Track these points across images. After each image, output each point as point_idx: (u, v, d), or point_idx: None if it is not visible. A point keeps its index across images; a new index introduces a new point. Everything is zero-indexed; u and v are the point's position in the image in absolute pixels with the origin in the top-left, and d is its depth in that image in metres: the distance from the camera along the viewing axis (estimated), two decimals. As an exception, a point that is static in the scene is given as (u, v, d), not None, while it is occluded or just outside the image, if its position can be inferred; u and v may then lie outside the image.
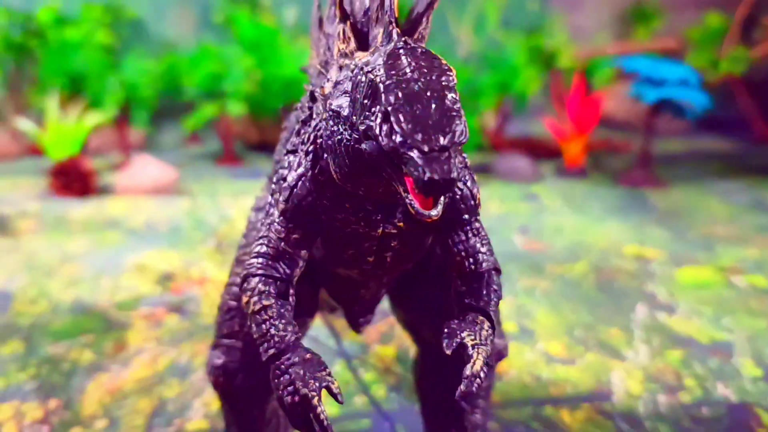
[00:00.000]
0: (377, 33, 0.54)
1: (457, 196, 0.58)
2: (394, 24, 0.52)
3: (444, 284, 0.70)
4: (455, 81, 0.47)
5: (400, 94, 0.45)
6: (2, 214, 2.02)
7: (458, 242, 0.59)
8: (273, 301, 0.57)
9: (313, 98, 0.62)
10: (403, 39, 0.50)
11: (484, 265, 0.59)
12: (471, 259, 0.59)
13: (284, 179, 0.59)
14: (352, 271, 0.64)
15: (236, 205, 2.17)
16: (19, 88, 2.81)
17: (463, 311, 0.58)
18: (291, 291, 0.59)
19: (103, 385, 1.04)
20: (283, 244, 0.59)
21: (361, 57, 0.54)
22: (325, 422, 0.52)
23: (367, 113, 0.48)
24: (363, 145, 0.49)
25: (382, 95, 0.46)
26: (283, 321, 0.56)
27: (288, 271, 0.59)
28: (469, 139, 0.49)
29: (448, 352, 0.53)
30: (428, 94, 0.45)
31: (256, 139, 3.00)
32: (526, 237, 1.83)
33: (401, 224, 0.58)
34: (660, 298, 1.39)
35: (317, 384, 0.52)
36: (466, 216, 0.59)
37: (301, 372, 0.53)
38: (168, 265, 1.60)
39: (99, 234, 1.86)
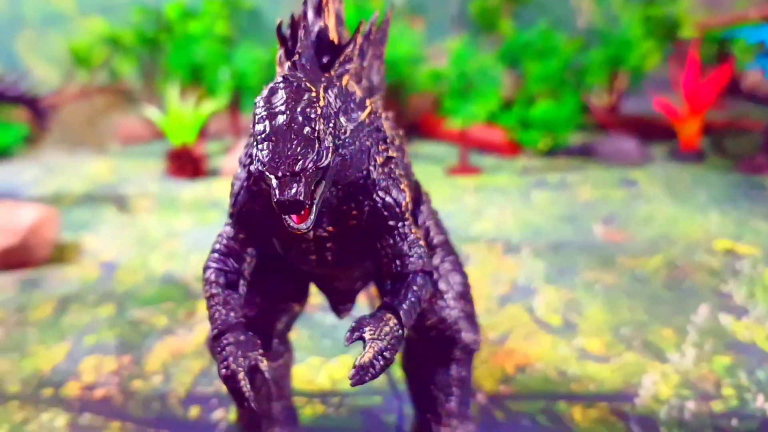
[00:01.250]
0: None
1: (379, 205, 0.63)
2: (298, 56, 0.58)
3: None
4: (319, 111, 0.54)
5: (265, 127, 0.52)
6: (125, 194, 2.23)
7: (385, 246, 0.65)
8: (220, 290, 0.66)
9: None
10: (283, 75, 0.56)
11: (409, 267, 0.64)
12: (397, 261, 0.64)
13: (233, 186, 0.66)
14: (304, 267, 0.70)
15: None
16: (152, 79, 3.05)
17: (380, 308, 0.62)
18: (241, 282, 0.68)
19: (168, 346, 1.19)
20: (232, 242, 0.68)
21: None
22: (246, 394, 0.61)
23: (253, 140, 0.56)
24: (252, 167, 0.56)
25: (255, 126, 0.53)
26: (227, 307, 0.65)
27: (236, 265, 0.68)
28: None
29: (346, 344, 0.59)
30: (289, 126, 0.52)
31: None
32: (608, 227, 1.78)
33: (330, 228, 0.64)
34: (735, 300, 1.32)
35: (246, 362, 0.62)
36: (391, 222, 0.64)
37: (235, 350, 0.62)
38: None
39: (202, 213, 2.02)
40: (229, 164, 2.41)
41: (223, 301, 0.65)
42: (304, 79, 0.55)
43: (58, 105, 2.84)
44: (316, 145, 0.52)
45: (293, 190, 0.50)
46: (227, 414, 0.97)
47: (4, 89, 2.05)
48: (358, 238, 0.66)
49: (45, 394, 1.03)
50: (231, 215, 0.68)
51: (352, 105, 0.61)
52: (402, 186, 0.64)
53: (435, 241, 0.78)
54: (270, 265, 0.76)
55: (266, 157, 0.51)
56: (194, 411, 0.99)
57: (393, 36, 2.66)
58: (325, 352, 1.15)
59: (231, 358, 0.61)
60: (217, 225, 1.88)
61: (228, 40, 2.93)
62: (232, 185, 0.67)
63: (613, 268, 1.49)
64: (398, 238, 0.64)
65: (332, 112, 0.56)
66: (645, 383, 1.03)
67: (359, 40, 0.64)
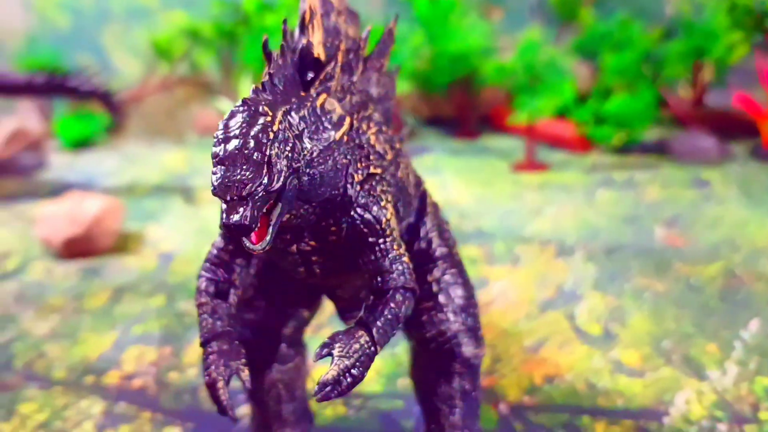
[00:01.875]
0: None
1: (357, 222, 0.64)
2: (268, 76, 0.59)
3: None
4: (271, 136, 0.54)
5: (219, 151, 0.54)
6: (194, 185, 2.32)
7: (367, 262, 0.65)
8: (209, 299, 0.69)
9: None
10: (243, 99, 0.57)
11: (390, 283, 0.64)
12: (378, 278, 0.65)
13: None
14: (297, 277, 0.71)
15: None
16: (230, 71, 3.14)
17: (355, 324, 0.63)
18: (231, 291, 0.70)
19: (207, 338, 1.22)
20: (222, 253, 0.70)
21: None
22: (224, 403, 0.63)
23: None
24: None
25: (212, 148, 0.55)
26: (215, 316, 0.68)
27: (226, 275, 0.70)
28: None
29: (314, 360, 0.60)
30: (240, 151, 0.53)
31: (427, 114, 3.08)
32: (670, 230, 1.71)
33: (313, 243, 0.66)
34: (792, 314, 1.25)
35: (227, 371, 0.64)
36: (371, 239, 0.65)
37: (217, 359, 0.64)
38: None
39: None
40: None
41: (211, 310, 0.67)
42: (263, 103, 0.56)
43: (140, 97, 2.97)
44: (265, 170, 0.53)
45: (238, 215, 0.51)
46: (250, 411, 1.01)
47: (79, 84, 2.16)
48: (342, 253, 0.66)
49: (87, 381, 1.09)
50: (220, 227, 0.70)
51: (326, 124, 0.61)
52: (383, 203, 0.65)
53: (437, 253, 0.77)
54: (275, 271, 0.78)
55: (216, 181, 0.53)
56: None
57: (463, 28, 2.64)
58: (355, 353, 1.16)
59: (213, 367, 0.64)
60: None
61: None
62: None
63: (667, 274, 1.44)
64: (379, 254, 0.64)
65: (291, 135, 0.56)
66: (677, 401, 1.00)
67: (341, 57, 0.64)
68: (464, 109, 2.90)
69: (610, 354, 1.13)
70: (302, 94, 0.62)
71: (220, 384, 0.63)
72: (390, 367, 1.11)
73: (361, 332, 0.61)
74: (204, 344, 0.66)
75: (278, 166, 0.54)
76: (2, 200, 2.17)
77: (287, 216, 0.61)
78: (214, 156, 0.54)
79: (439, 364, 0.77)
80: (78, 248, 1.60)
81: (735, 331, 1.19)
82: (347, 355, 0.60)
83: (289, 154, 0.56)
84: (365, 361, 0.60)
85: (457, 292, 0.77)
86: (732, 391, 1.02)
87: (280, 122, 0.56)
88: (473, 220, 1.83)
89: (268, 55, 0.62)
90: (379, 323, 0.62)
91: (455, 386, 0.78)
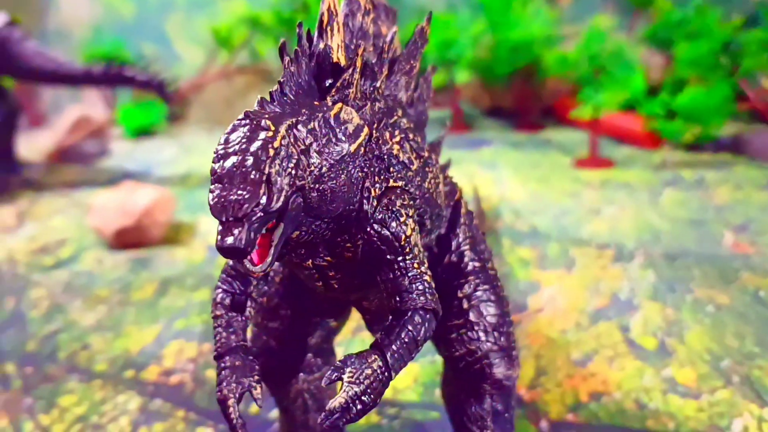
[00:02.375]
0: None
1: (374, 238, 0.60)
2: (278, 86, 0.57)
3: (446, 304, 0.71)
4: (271, 153, 0.51)
5: (217, 168, 0.51)
6: None
7: (385, 280, 0.62)
8: (223, 312, 0.66)
9: None
10: (246, 112, 0.54)
11: (408, 304, 0.60)
12: (397, 297, 0.61)
13: None
14: (316, 290, 0.68)
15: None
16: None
17: (371, 347, 0.59)
18: (249, 303, 0.68)
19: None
20: (239, 265, 0.67)
21: None
22: (234, 421, 0.61)
23: None
24: None
25: (211, 165, 0.52)
26: (229, 330, 0.66)
27: (243, 287, 0.67)
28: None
29: (324, 384, 0.57)
30: (239, 168, 0.50)
31: (487, 105, 3.00)
32: (739, 236, 1.61)
33: (329, 258, 0.62)
34: None
35: (239, 387, 0.62)
36: (390, 256, 0.61)
37: (229, 375, 0.62)
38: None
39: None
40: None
41: (226, 324, 0.65)
42: (266, 116, 0.53)
43: (200, 85, 2.99)
44: (263, 189, 0.50)
45: (232, 238, 0.48)
46: (283, 415, 0.99)
47: (135, 74, 2.19)
48: (360, 269, 0.63)
49: (127, 375, 1.10)
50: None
51: (339, 136, 0.57)
52: (403, 218, 0.61)
53: (468, 267, 0.73)
54: (300, 280, 0.75)
55: (213, 200, 0.50)
56: (254, 408, 1.01)
57: (526, 15, 2.55)
58: (394, 359, 1.13)
59: (224, 383, 0.61)
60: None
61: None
62: None
63: (732, 285, 1.35)
64: (398, 273, 0.61)
65: (296, 150, 0.53)
66: (735, 428, 0.93)
67: (359, 62, 0.60)
68: (526, 100, 2.82)
69: (664, 372, 1.06)
70: (316, 103, 0.58)
71: (231, 402, 0.61)
72: (428, 375, 1.07)
73: (374, 356, 0.58)
74: (217, 359, 0.64)
75: (279, 185, 0.51)
76: (64, 187, 2.22)
77: (297, 233, 0.57)
78: (212, 173, 0.51)
79: (470, 384, 0.73)
80: (128, 239, 1.62)
81: (804, 350, 1.11)
82: (358, 381, 0.56)
83: (293, 171, 0.52)
84: (377, 387, 0.57)
85: (489, 310, 0.72)
86: (796, 419, 0.94)
87: (283, 137, 0.52)
88: (528, 218, 1.76)
89: (283, 61, 0.59)
90: (394, 347, 0.58)
91: (486, 407, 0.74)
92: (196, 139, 2.90)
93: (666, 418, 0.95)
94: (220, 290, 0.67)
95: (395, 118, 0.66)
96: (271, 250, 0.52)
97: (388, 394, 1.03)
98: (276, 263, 0.78)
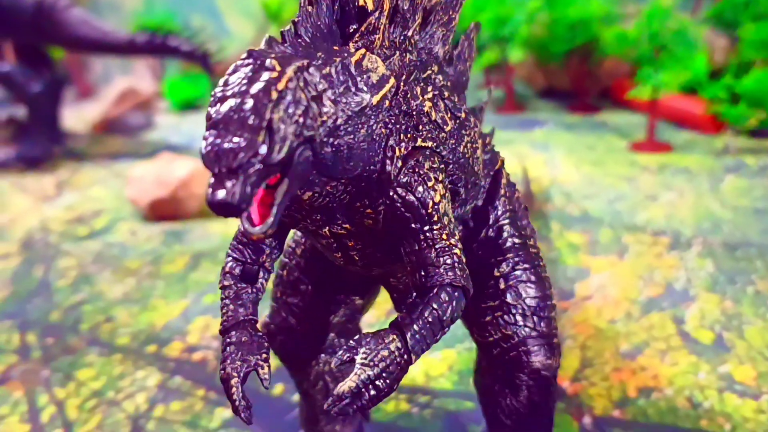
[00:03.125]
0: None
1: (398, 204, 0.54)
2: (292, 25, 0.51)
3: (481, 284, 0.65)
4: (274, 96, 0.44)
5: (213, 112, 0.45)
6: None
7: (409, 252, 0.55)
8: (232, 282, 0.60)
9: None
10: (249, 50, 0.48)
11: (434, 279, 0.54)
12: (422, 272, 0.54)
13: None
14: (337, 263, 0.63)
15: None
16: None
17: (390, 325, 0.53)
18: (261, 274, 0.61)
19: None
20: None
21: None
22: (237, 403, 0.54)
23: None
24: None
25: (208, 109, 0.46)
26: (238, 302, 0.59)
27: (254, 256, 0.61)
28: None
29: (334, 366, 0.50)
30: (237, 112, 0.44)
31: (542, 85, 2.88)
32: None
33: (347, 226, 0.56)
34: None
35: (244, 366, 0.55)
36: (415, 225, 0.54)
37: (234, 352, 0.56)
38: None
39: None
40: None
41: (234, 295, 0.59)
42: (272, 56, 0.46)
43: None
44: (262, 137, 0.43)
45: (224, 191, 0.42)
46: (307, 398, 0.93)
47: (179, 44, 2.15)
48: (384, 239, 0.56)
49: (148, 350, 1.06)
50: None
51: (360, 85, 0.51)
52: (431, 183, 0.54)
53: (507, 244, 0.66)
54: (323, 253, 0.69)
55: (205, 148, 0.44)
56: (278, 389, 0.96)
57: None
58: (428, 344, 1.06)
59: (228, 360, 0.56)
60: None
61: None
62: None
63: (803, 278, 1.25)
64: (423, 244, 0.54)
65: (305, 96, 0.46)
66: (800, 433, 0.84)
67: (387, 5, 0.53)
68: (582, 80, 2.69)
69: (721, 368, 0.98)
70: (335, 48, 0.51)
71: (234, 381, 0.55)
72: (464, 362, 1.01)
73: (392, 337, 0.51)
74: (222, 333, 0.58)
75: (282, 133, 0.44)
76: (106, 158, 2.21)
77: (309, 194, 0.51)
78: (207, 118, 0.45)
79: (505, 374, 0.66)
80: (164, 211, 1.59)
81: None
82: (372, 363, 0.50)
83: (300, 119, 0.46)
84: (394, 371, 0.50)
85: (529, 291, 0.65)
86: None
87: (290, 80, 0.46)
88: (579, 202, 1.67)
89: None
90: (416, 327, 0.52)
91: (522, 400, 0.66)
92: (241, 114, 2.87)
93: (722, 418, 0.86)
94: (230, 259, 0.61)
95: (429, 72, 0.59)
96: (273, 209, 0.46)
97: (419, 380, 0.97)
98: (299, 234, 0.72)
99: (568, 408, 0.90)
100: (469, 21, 2.60)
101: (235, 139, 0.43)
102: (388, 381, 0.50)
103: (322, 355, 0.76)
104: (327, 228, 0.56)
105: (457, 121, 0.60)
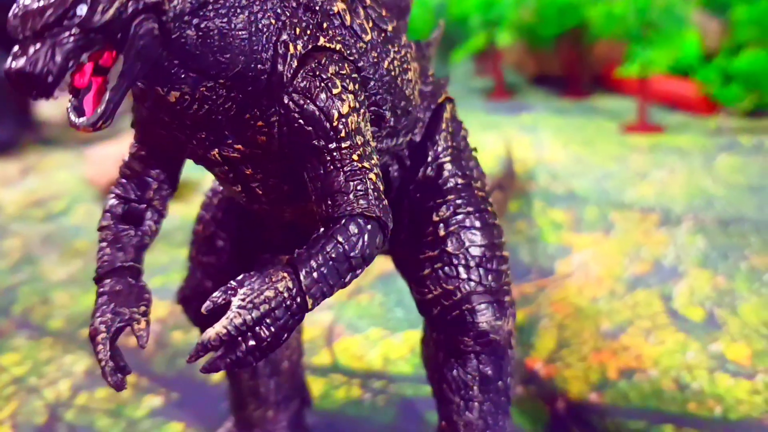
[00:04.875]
0: None
1: (295, 114, 0.44)
2: None
3: (418, 231, 0.56)
4: None
5: None
6: None
7: (313, 177, 0.45)
8: (111, 223, 0.52)
9: None
10: None
11: (343, 208, 0.44)
12: (328, 200, 0.45)
13: None
14: (241, 202, 0.54)
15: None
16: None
17: (283, 263, 0.44)
18: (150, 215, 0.53)
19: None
20: (134, 162, 0.53)
21: None
22: (103, 363, 0.46)
23: None
24: None
25: None
26: (117, 245, 0.51)
27: (139, 192, 0.52)
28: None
29: (203, 311, 0.42)
30: None
31: (533, 72, 2.78)
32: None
33: (240, 147, 0.47)
34: None
35: (116, 319, 0.47)
36: (317, 142, 0.44)
37: (106, 303, 0.48)
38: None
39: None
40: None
41: (113, 238, 0.51)
42: None
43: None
44: None
45: (24, 59, 0.33)
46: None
47: None
48: (289, 166, 0.47)
49: (82, 334, 0.96)
50: (132, 124, 0.52)
51: None
52: (337, 90, 0.44)
53: (449, 184, 0.56)
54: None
55: (12, 13, 0.35)
56: (218, 375, 0.86)
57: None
58: (390, 324, 0.96)
59: (98, 314, 0.47)
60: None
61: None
62: None
63: (796, 254, 1.15)
64: (329, 166, 0.44)
65: None
66: (799, 415, 0.74)
67: None
68: (573, 66, 2.59)
69: (712, 347, 0.88)
70: None
71: (100, 337, 0.46)
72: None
73: (282, 275, 0.42)
74: (96, 281, 0.50)
75: None
76: (77, 144, 2.10)
77: (177, 94, 0.42)
78: None
79: (447, 339, 0.56)
80: None
81: None
82: (251, 305, 0.40)
83: None
84: (283, 317, 0.41)
85: (474, 239, 0.55)
86: None
87: None
88: (565, 181, 1.57)
89: None
90: (313, 263, 0.42)
91: (469, 370, 0.56)
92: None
93: (712, 400, 0.77)
94: (112, 196, 0.52)
95: None
96: (106, 95, 0.37)
97: (376, 364, 0.87)
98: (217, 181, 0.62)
99: (539, 391, 0.80)
100: (457, 6, 2.49)
101: None
102: (273, 328, 0.41)
103: None
104: (216, 150, 0.46)
105: (382, 35, 0.50)
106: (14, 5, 0.35)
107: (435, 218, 0.55)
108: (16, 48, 0.34)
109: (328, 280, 0.42)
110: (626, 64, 1.99)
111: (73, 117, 0.37)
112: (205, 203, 0.64)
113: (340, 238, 0.43)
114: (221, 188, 0.62)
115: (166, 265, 1.18)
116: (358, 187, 0.44)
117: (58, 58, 0.34)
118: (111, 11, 0.35)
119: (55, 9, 0.34)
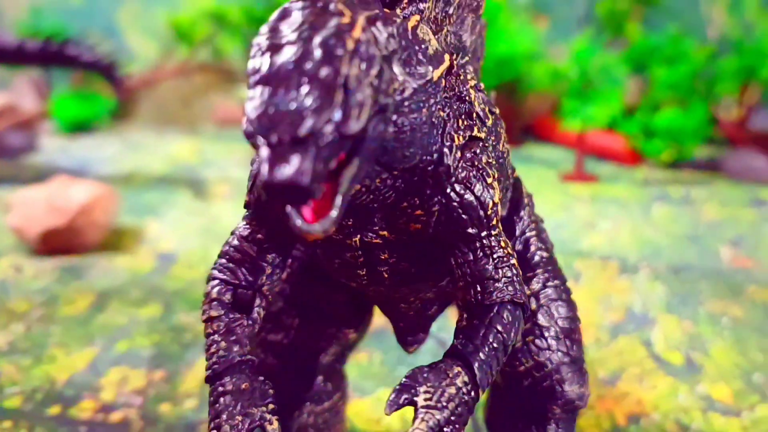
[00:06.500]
0: None
1: (455, 203, 0.45)
2: None
3: None
4: (351, 46, 0.34)
5: (262, 64, 0.34)
6: (204, 178, 2.05)
7: (462, 263, 0.46)
8: (222, 312, 0.48)
9: None
10: None
11: (495, 295, 0.45)
12: (477, 286, 0.46)
13: (252, 164, 0.50)
14: (352, 284, 0.53)
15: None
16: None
17: (447, 355, 0.44)
18: (257, 302, 0.49)
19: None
20: (246, 244, 0.49)
21: None
22: None
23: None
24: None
25: (249, 63, 0.35)
26: (230, 338, 0.47)
27: (250, 278, 0.49)
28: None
29: (387, 412, 0.41)
30: (299, 64, 0.33)
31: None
32: (735, 250, 1.51)
33: (385, 233, 0.46)
34: None
35: (246, 422, 0.44)
36: (472, 230, 0.45)
37: (232, 404, 0.45)
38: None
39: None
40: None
41: (226, 329, 0.47)
42: (335, 0, 0.36)
43: (153, 81, 2.74)
44: (340, 98, 0.33)
45: (291, 168, 0.32)
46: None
47: (79, 54, 1.83)
48: (425, 249, 0.47)
49: (50, 412, 0.87)
50: (247, 205, 0.50)
51: (419, 56, 0.42)
52: (489, 180, 0.45)
53: (536, 258, 0.58)
54: (314, 276, 0.58)
55: (256, 111, 0.33)
56: None
57: (512, 31, 2.46)
58: (397, 383, 0.95)
59: (225, 415, 0.44)
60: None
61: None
62: (252, 163, 0.50)
63: (741, 298, 1.25)
64: (480, 253, 0.45)
65: (377, 54, 0.36)
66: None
67: None
68: (508, 115, 2.70)
69: (698, 388, 0.94)
70: (386, 11, 0.42)
71: None
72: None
73: (457, 369, 0.42)
74: (212, 379, 0.46)
75: (359, 96, 0.34)
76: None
77: (356, 187, 0.41)
78: (253, 72, 0.34)
79: (533, 407, 0.57)
80: (58, 243, 1.35)
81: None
82: (439, 404, 0.41)
83: (375, 82, 0.36)
84: (462, 412, 0.42)
85: (561, 311, 0.57)
86: None
87: (363, 29, 0.36)
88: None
89: None
90: (482, 356, 0.43)
91: None
92: (143, 139, 2.57)
93: (713, 441, 0.82)
94: (216, 282, 0.49)
95: (466, 59, 0.51)
96: (337, 200, 0.35)
97: (396, 426, 0.85)
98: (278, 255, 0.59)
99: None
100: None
101: (303, 99, 0.32)
102: (458, 426, 0.41)
103: (308, 402, 0.64)
104: (358, 237, 0.46)
105: (494, 117, 0.52)
106: (251, 103, 0.33)
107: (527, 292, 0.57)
108: (267, 153, 0.32)
109: (492, 370, 0.44)
110: (568, 119, 2.12)
111: (300, 224, 0.35)
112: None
113: (498, 327, 0.44)
114: (289, 261, 0.59)
115: (126, 327, 1.09)
116: (507, 274, 0.45)
117: (321, 167, 0.32)
118: (364, 117, 0.34)
119: (318, 115, 0.32)
